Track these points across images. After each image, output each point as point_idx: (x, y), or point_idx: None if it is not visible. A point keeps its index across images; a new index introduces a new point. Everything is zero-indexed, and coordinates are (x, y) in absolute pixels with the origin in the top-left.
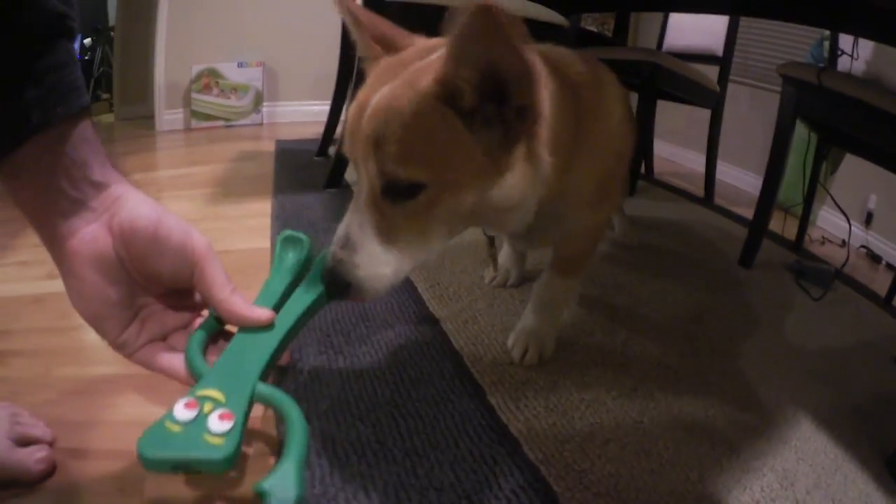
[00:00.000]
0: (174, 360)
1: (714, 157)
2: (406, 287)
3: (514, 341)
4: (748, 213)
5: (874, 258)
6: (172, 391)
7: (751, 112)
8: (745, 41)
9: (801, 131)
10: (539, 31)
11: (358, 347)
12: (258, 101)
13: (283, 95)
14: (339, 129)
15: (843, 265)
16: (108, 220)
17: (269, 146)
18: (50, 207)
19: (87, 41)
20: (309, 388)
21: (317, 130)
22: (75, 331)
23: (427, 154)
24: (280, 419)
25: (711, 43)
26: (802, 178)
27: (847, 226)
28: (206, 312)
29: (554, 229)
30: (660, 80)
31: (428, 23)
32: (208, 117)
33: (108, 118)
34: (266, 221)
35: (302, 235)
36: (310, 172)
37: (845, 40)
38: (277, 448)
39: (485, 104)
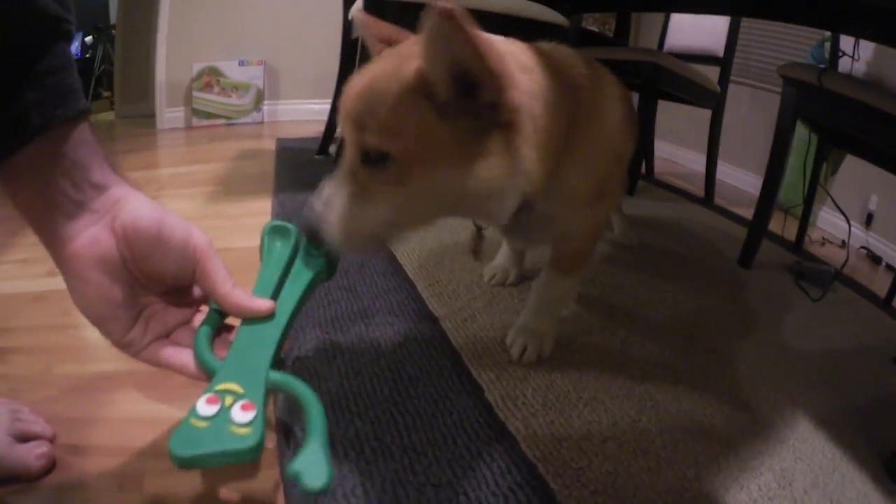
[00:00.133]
0: (181, 356)
1: (714, 157)
2: (405, 285)
3: (512, 339)
4: (748, 214)
5: (874, 259)
6: (172, 387)
7: (751, 113)
8: (745, 42)
9: (801, 132)
10: (540, 31)
11: (356, 345)
12: (259, 99)
13: (284, 94)
14: (339, 129)
15: (843, 266)
16: (110, 221)
17: (270, 145)
18: (51, 210)
19: (89, 39)
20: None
21: (317, 129)
22: (75, 328)
23: (395, 129)
24: (290, 405)
25: (712, 44)
26: (803, 178)
27: (847, 227)
28: (205, 307)
29: (551, 228)
30: (660, 80)
31: None
32: (209, 115)
33: (108, 116)
34: (266, 220)
35: (289, 224)
36: (310, 171)
37: (846, 41)
38: (275, 441)
39: (458, 97)
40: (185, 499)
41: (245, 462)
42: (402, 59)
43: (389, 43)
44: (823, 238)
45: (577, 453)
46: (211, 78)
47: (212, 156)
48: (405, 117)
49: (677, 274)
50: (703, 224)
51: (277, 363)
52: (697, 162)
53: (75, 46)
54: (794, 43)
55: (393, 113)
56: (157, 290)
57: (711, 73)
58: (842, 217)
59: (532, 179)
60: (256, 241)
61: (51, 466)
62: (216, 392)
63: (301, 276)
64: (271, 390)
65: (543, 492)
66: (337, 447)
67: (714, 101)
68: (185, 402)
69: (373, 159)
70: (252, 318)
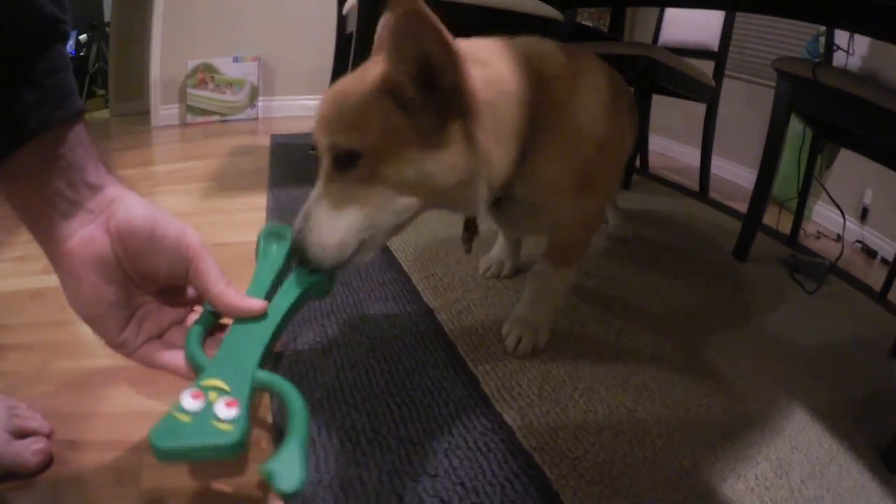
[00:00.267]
0: (174, 357)
1: (709, 151)
2: (400, 278)
3: (507, 331)
4: (743, 208)
5: (870, 253)
6: (168, 382)
7: (746, 107)
8: (740, 36)
9: (795, 126)
10: (535, 26)
11: (352, 337)
12: (253, 95)
13: (279, 90)
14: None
15: (838, 259)
16: (104, 221)
17: (265, 141)
18: (48, 210)
19: (83, 37)
20: (304, 378)
21: (312, 125)
22: (72, 325)
23: (361, 125)
24: (281, 405)
25: (707, 38)
26: (797, 172)
27: (842, 221)
28: (199, 308)
29: (538, 217)
30: (655, 74)
31: None
32: (204, 112)
33: (103, 114)
34: (262, 215)
35: (284, 227)
36: (305, 166)
37: (841, 36)
38: (272, 435)
39: (422, 92)
40: (182, 493)
41: (226, 458)
42: (366, 69)
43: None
44: (818, 232)
45: (573, 443)
46: (205, 75)
47: (207, 152)
48: (370, 115)
49: (672, 266)
50: (698, 217)
51: (269, 361)
52: (692, 156)
53: (70, 44)
54: (789, 37)
55: (359, 111)
56: (150, 290)
57: (706, 68)
58: (836, 211)
59: (494, 166)
60: (252, 237)
61: (48, 462)
62: (201, 387)
63: (299, 282)
64: (258, 389)
65: (540, 481)
66: (333, 439)
67: (708, 96)
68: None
69: (344, 161)
70: (244, 318)
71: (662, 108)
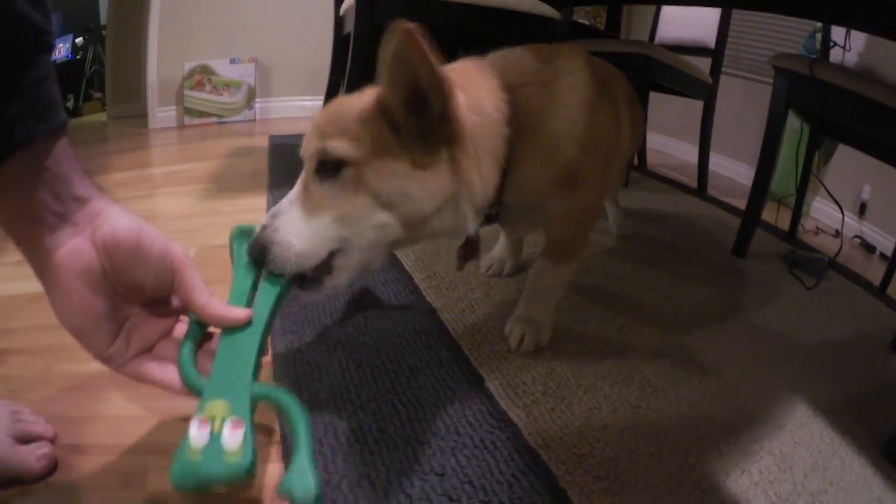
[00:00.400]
0: (165, 371)
1: (707, 148)
2: (402, 277)
3: (510, 329)
4: (742, 205)
5: (868, 248)
6: None
7: (743, 104)
8: (737, 33)
9: (793, 122)
10: (533, 24)
11: (356, 337)
12: (251, 97)
13: (276, 91)
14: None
15: (837, 254)
16: (90, 233)
17: (263, 142)
18: (34, 223)
19: (79, 40)
20: (309, 379)
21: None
22: None
23: (355, 135)
24: (281, 414)
25: (704, 35)
26: (795, 168)
27: (841, 216)
28: (185, 318)
29: (532, 216)
30: (652, 72)
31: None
32: (201, 114)
33: (100, 117)
34: (261, 216)
35: (254, 226)
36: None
37: (838, 32)
38: (270, 437)
39: (412, 116)
40: (187, 494)
41: (241, 482)
42: (361, 94)
43: None
44: (817, 227)
45: (578, 440)
46: (202, 76)
47: (205, 154)
48: (364, 128)
49: (672, 263)
50: (697, 214)
51: (279, 366)
52: (690, 153)
53: (66, 48)
54: (786, 34)
55: (353, 122)
56: (136, 301)
57: (703, 65)
58: (835, 207)
59: (475, 192)
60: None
61: (53, 467)
62: (206, 415)
63: (274, 283)
64: (258, 401)
65: (547, 478)
66: (341, 439)
67: (706, 93)
68: (184, 398)
69: (329, 169)
70: (231, 328)
71: (660, 105)
